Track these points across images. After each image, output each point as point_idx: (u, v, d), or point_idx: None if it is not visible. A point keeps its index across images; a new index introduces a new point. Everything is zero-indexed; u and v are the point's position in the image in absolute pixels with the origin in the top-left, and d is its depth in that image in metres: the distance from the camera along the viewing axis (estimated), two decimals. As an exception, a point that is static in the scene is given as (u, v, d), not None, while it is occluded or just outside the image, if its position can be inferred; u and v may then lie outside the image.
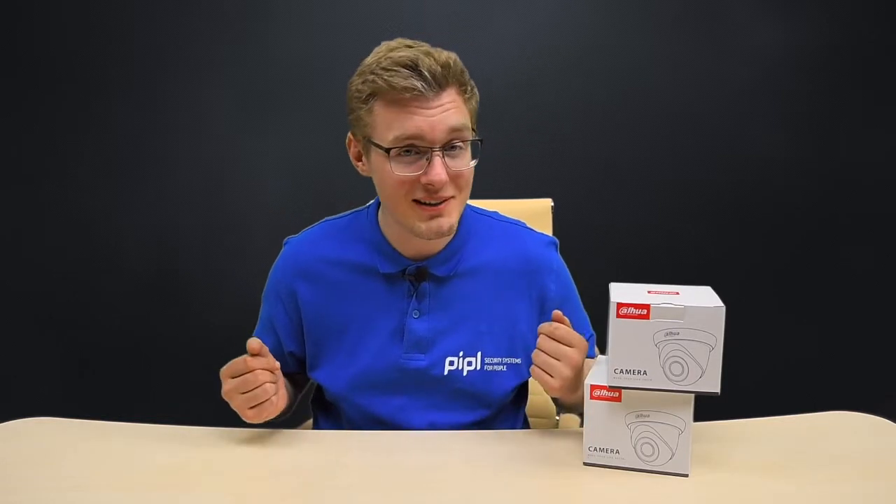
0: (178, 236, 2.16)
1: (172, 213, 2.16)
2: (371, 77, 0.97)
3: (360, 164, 1.06)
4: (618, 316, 0.86)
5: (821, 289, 2.20)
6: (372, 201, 1.14)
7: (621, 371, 0.87)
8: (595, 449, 0.91)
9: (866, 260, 2.19)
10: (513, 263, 1.11)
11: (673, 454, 0.88)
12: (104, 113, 2.13)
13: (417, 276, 1.08)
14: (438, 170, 0.96)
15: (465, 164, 1.00)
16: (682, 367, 0.85)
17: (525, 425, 1.23)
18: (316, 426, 1.20)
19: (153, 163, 2.15)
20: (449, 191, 0.99)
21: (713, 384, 0.85)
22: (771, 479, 0.87)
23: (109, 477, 0.89)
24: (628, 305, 0.86)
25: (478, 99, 1.04)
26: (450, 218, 1.01)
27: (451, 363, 1.08)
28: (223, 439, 1.01)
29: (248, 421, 0.98)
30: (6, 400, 2.15)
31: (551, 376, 0.96)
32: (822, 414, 1.08)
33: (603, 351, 0.94)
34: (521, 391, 1.18)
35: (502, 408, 1.13)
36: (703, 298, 0.87)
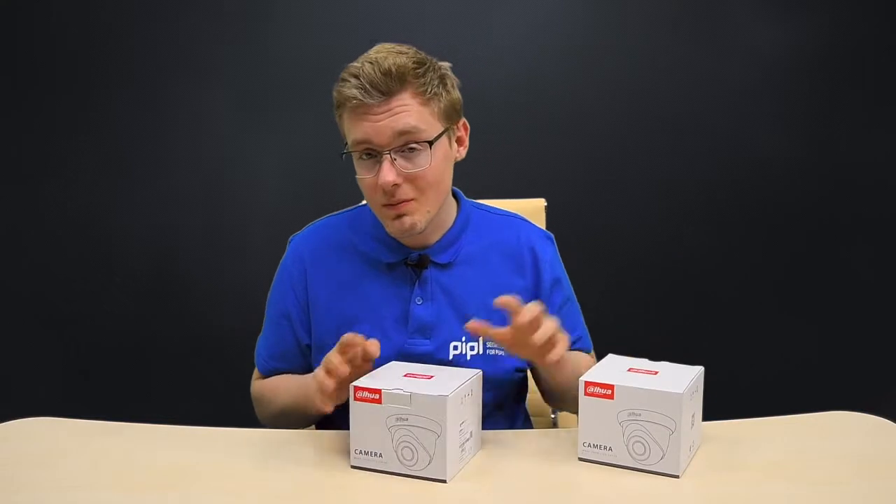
0: (178, 236, 2.16)
1: (172, 213, 2.16)
2: (336, 86, 1.04)
3: None
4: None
5: (821, 289, 2.19)
6: None
7: (589, 445, 0.91)
8: (589, 445, 0.92)
9: (866, 260, 2.19)
10: (510, 250, 1.15)
11: (664, 454, 0.88)
12: (104, 113, 2.13)
13: (419, 263, 1.11)
14: (384, 172, 1.00)
15: (423, 164, 1.02)
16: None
17: (527, 421, 1.24)
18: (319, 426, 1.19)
19: (153, 163, 2.15)
20: (407, 193, 1.03)
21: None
22: (771, 479, 0.87)
23: (109, 477, 0.89)
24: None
25: (451, 97, 1.05)
26: (412, 217, 1.04)
27: (455, 348, 1.10)
28: (223, 439, 1.01)
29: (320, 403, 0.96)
30: (6, 400, 2.14)
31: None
32: (822, 414, 1.08)
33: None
34: (523, 382, 1.19)
35: (507, 393, 1.15)
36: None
